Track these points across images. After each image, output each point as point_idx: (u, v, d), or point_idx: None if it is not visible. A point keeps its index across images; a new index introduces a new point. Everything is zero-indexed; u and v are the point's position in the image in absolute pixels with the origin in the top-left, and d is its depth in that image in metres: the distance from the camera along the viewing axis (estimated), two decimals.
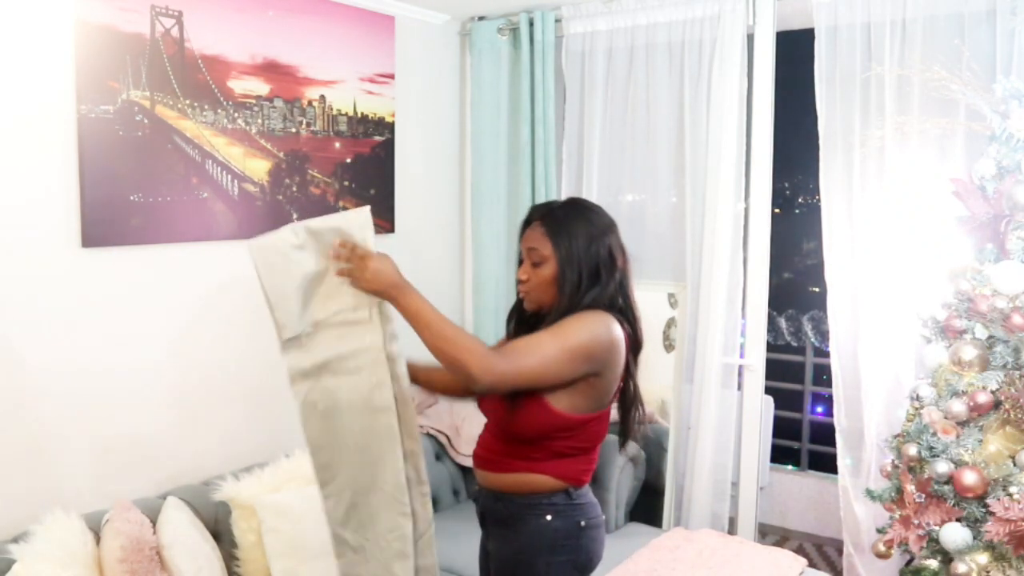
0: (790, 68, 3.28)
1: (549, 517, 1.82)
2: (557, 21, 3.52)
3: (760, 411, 3.29)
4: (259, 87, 2.86)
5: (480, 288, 3.73)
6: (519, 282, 1.87)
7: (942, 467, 2.29)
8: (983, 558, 2.22)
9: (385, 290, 1.72)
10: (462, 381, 1.69)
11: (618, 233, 1.86)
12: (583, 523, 1.85)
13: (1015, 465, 2.23)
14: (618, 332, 1.79)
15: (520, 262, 1.89)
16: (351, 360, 1.77)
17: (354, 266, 1.72)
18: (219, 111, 2.74)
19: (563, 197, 3.53)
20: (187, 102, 2.65)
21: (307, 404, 1.79)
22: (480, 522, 1.99)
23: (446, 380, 1.98)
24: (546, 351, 1.70)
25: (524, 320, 1.93)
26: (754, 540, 3.27)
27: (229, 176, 2.80)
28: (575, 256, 1.78)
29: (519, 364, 1.69)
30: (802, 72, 3.05)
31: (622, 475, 3.23)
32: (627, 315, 1.85)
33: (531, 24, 3.51)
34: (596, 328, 1.75)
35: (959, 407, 2.31)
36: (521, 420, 1.78)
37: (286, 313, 1.75)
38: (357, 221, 1.75)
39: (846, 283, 3.02)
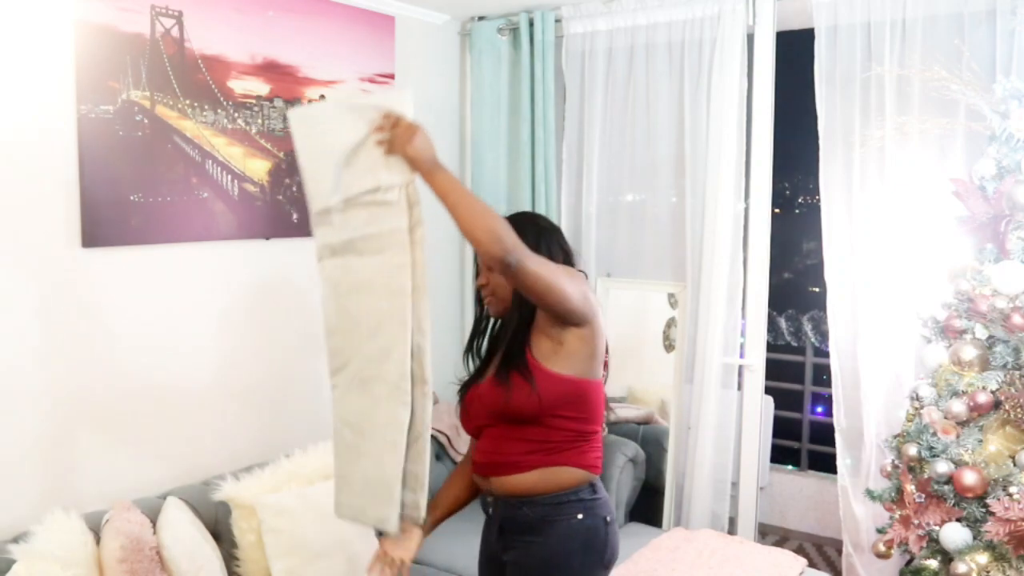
0: (790, 68, 3.28)
1: (580, 516, 1.81)
2: (557, 21, 3.52)
3: (760, 411, 3.29)
4: (259, 87, 2.86)
5: None
6: (480, 288, 1.92)
7: (942, 467, 2.29)
8: (983, 558, 2.22)
9: (424, 161, 1.70)
10: (492, 250, 1.66)
11: (562, 235, 1.95)
12: (608, 519, 1.86)
13: (1015, 465, 2.23)
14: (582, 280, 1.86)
15: (476, 274, 1.95)
16: (376, 240, 1.77)
17: (399, 133, 1.68)
18: (219, 111, 2.74)
19: (563, 197, 3.57)
20: (187, 102, 2.65)
21: (330, 281, 1.80)
22: (496, 535, 1.91)
23: (458, 496, 2.02)
24: (554, 268, 1.74)
25: (491, 333, 1.98)
26: (754, 540, 3.27)
27: (229, 176, 2.80)
28: None
29: (538, 263, 1.71)
30: (802, 72, 3.05)
31: (622, 475, 3.23)
32: None
33: (531, 24, 3.51)
34: (582, 279, 1.82)
35: (959, 407, 2.31)
36: (521, 393, 1.78)
37: (318, 183, 1.77)
38: (400, 100, 1.74)
39: (846, 283, 3.02)
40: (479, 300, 1.96)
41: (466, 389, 1.97)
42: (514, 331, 1.86)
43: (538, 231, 1.88)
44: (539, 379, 1.78)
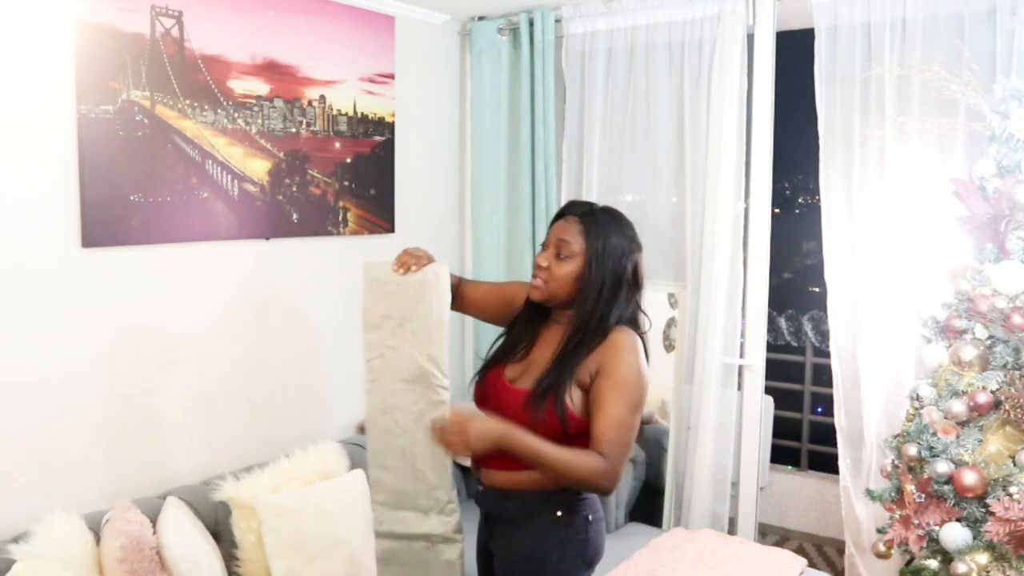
0: (790, 68, 3.28)
1: (560, 513, 1.83)
2: (557, 21, 3.52)
3: (760, 411, 3.28)
4: (259, 87, 2.86)
5: None
6: (536, 267, 1.87)
7: (942, 467, 2.29)
8: (983, 558, 2.22)
9: (496, 444, 1.68)
10: (599, 492, 1.80)
11: (642, 256, 1.91)
12: (590, 517, 1.86)
13: (1015, 465, 2.23)
14: (643, 354, 1.83)
15: (542, 249, 1.90)
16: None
17: (455, 437, 1.66)
18: (219, 111, 2.74)
19: (563, 197, 3.57)
20: (187, 102, 2.65)
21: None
22: (483, 524, 1.98)
23: (488, 308, 2.13)
24: (628, 420, 1.75)
25: (532, 315, 1.95)
26: (754, 540, 3.27)
27: (229, 176, 2.80)
28: (604, 262, 1.81)
29: (624, 450, 1.75)
30: (802, 72, 3.05)
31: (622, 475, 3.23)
32: (640, 333, 1.89)
33: (531, 24, 3.51)
34: (642, 366, 1.80)
35: (959, 407, 2.31)
36: (548, 425, 1.78)
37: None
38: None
39: (846, 283, 3.02)
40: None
41: (487, 370, 1.96)
42: (571, 353, 1.81)
43: (623, 248, 1.84)
44: (570, 421, 1.78)
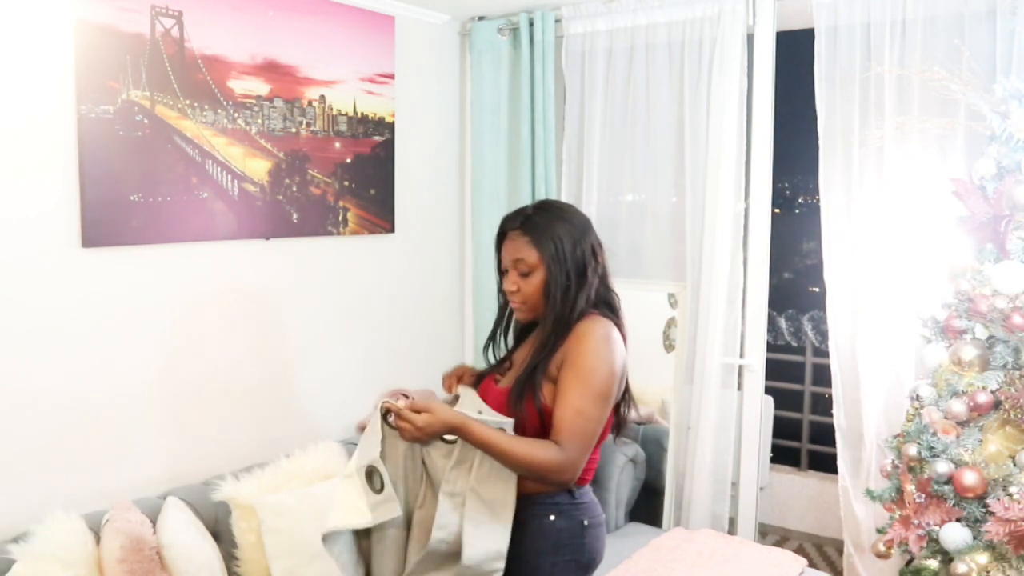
0: (790, 68, 3.28)
1: (552, 517, 1.82)
2: (557, 21, 3.52)
3: (760, 411, 3.29)
4: (259, 87, 2.86)
5: (480, 288, 3.73)
6: (508, 293, 1.89)
7: (942, 467, 2.29)
8: (983, 558, 2.22)
9: (450, 432, 1.75)
10: (555, 483, 1.78)
11: (593, 228, 1.91)
12: (586, 522, 1.86)
13: (1015, 465, 2.23)
14: (619, 340, 1.83)
15: (501, 273, 1.92)
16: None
17: (403, 424, 1.74)
18: (219, 111, 2.74)
19: (563, 197, 3.57)
20: (187, 102, 2.65)
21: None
22: None
23: None
24: (589, 411, 1.75)
25: (521, 328, 1.99)
26: (754, 540, 3.27)
27: (229, 176, 2.80)
28: (562, 260, 1.82)
29: (583, 441, 1.75)
30: (802, 72, 3.05)
31: (622, 475, 3.23)
32: (612, 307, 1.89)
33: (531, 24, 3.51)
34: (609, 354, 1.79)
35: (959, 407, 2.31)
36: (529, 425, 1.81)
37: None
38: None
39: (846, 283, 3.02)
40: (502, 289, 1.94)
41: (483, 377, 1.98)
42: (544, 350, 1.83)
43: (572, 237, 1.83)
44: (548, 417, 1.79)
